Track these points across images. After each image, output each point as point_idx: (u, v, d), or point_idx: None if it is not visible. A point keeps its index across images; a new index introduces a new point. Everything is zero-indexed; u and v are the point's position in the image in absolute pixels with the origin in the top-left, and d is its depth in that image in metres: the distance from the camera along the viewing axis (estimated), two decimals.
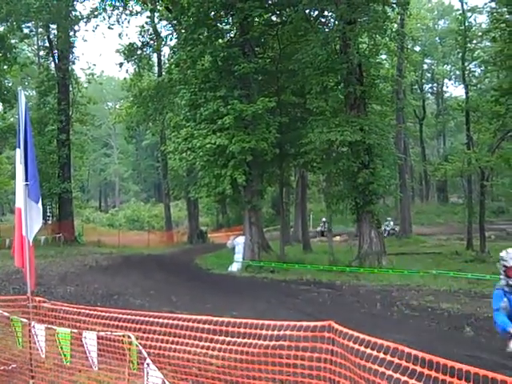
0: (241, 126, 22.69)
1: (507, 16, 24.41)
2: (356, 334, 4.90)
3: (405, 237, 39.17)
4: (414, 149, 65.72)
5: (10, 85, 37.69)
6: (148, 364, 5.46)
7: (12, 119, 42.01)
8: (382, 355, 4.56)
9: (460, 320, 11.58)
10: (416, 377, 4.22)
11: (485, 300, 14.25)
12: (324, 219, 43.30)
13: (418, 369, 4.27)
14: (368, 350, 4.66)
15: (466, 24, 38.14)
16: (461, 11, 40.29)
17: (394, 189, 29.45)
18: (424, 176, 65.61)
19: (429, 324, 11.36)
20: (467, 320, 11.52)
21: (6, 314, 6.93)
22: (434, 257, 26.95)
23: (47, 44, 38.32)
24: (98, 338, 5.98)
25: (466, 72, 40.17)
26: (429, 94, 69.95)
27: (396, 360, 4.42)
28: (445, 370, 4.01)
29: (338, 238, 36.24)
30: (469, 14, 41.44)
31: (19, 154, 6.38)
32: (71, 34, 36.09)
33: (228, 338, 5.64)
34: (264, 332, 5.45)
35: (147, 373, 5.39)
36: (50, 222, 36.33)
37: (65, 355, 5.91)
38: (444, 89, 70.47)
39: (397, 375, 4.30)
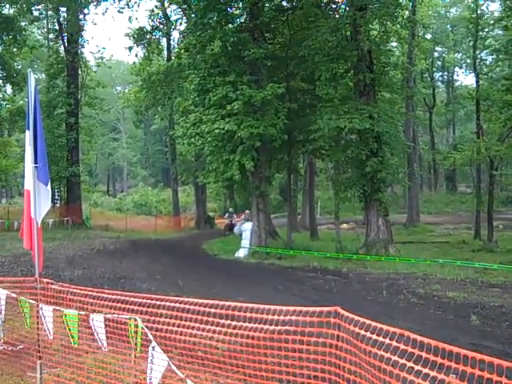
0: (249, 112, 22.61)
1: None
2: (362, 319, 4.91)
3: (412, 225, 39.16)
4: (423, 137, 65.47)
5: (19, 67, 37.71)
6: (153, 347, 5.50)
7: (21, 102, 42.19)
8: (387, 341, 4.57)
9: (466, 309, 11.56)
10: (421, 363, 4.23)
11: (492, 289, 14.27)
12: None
13: (424, 355, 4.28)
14: (374, 336, 4.67)
15: (478, 12, 37.88)
16: None
17: (402, 177, 29.41)
18: (433, 165, 65.41)
19: (435, 312, 11.35)
20: (473, 309, 11.49)
21: (13, 295, 6.99)
22: (442, 246, 26.97)
23: (57, 27, 38.25)
24: (105, 321, 6.02)
25: (477, 60, 39.94)
26: (439, 83, 69.60)
27: (402, 346, 4.43)
28: (450, 357, 4.02)
29: (345, 225, 36.25)
30: (481, 2, 41.09)
31: (28, 135, 6.39)
32: (81, 17, 36.06)
33: (234, 323, 5.67)
34: (270, 317, 5.47)
35: (152, 355, 5.42)
36: (58, 205, 36.50)
37: (72, 336, 5.95)
38: (454, 77, 70.25)
39: (402, 361, 4.31)
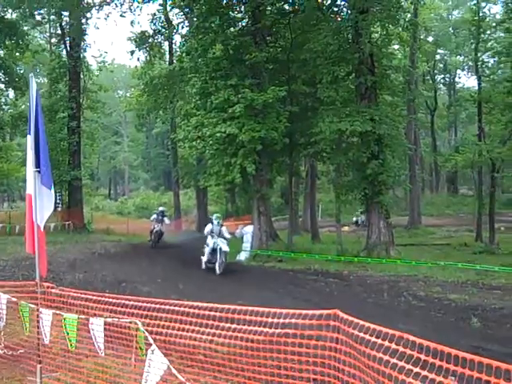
0: (251, 115, 22.65)
1: None
2: (361, 322, 4.92)
3: (414, 228, 39.15)
4: (425, 140, 65.43)
5: (21, 72, 37.80)
6: (153, 350, 5.51)
7: (23, 106, 42.22)
8: (387, 343, 4.58)
9: (467, 311, 11.59)
10: (420, 365, 4.24)
11: (493, 292, 14.27)
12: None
13: (423, 357, 4.28)
14: (373, 339, 4.68)
15: (480, 14, 37.93)
16: (475, 1, 39.95)
17: (403, 180, 29.46)
18: (434, 167, 65.35)
19: (435, 315, 11.38)
20: (474, 311, 11.53)
21: (14, 299, 7.00)
22: (443, 248, 26.97)
23: (59, 31, 38.32)
24: (106, 324, 6.03)
25: (479, 63, 39.97)
26: (441, 85, 69.57)
27: (401, 348, 4.44)
28: (449, 359, 4.03)
29: (346, 228, 36.25)
30: (483, 4, 41.26)
31: (30, 140, 6.42)
32: (83, 21, 36.05)
33: (233, 326, 5.69)
34: (269, 320, 5.49)
35: (150, 359, 5.44)
36: (59, 209, 36.48)
37: (70, 340, 5.97)
38: (456, 80, 70.18)
39: (402, 363, 4.32)
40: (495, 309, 11.97)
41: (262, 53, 23.44)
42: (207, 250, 18.27)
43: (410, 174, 39.24)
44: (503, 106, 27.03)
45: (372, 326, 4.85)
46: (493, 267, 17.81)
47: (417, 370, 4.23)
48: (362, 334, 4.78)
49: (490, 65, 41.94)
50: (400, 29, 28.01)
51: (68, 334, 5.95)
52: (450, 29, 62.39)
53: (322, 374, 5.17)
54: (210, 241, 18.32)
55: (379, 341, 4.64)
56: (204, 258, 18.51)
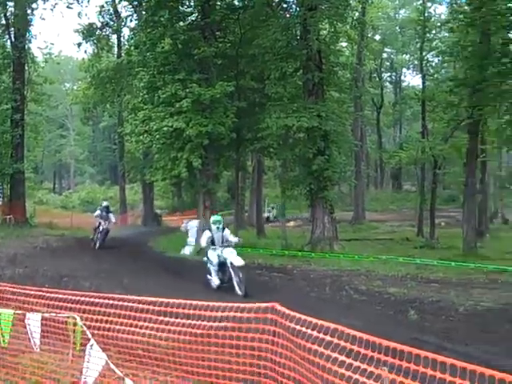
0: (198, 110, 22.66)
1: (466, 7, 24.81)
2: (298, 315, 5.01)
3: (358, 223, 39.82)
4: (371, 136, 66.56)
5: None
6: (92, 345, 5.46)
7: None
8: (321, 335, 4.68)
9: (405, 304, 11.88)
10: (353, 356, 4.35)
11: (431, 285, 14.72)
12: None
13: (356, 348, 4.40)
14: (309, 331, 4.77)
15: (426, 14, 38.82)
16: (421, 1, 40.86)
17: (348, 175, 29.90)
18: (379, 163, 66.57)
19: (375, 308, 11.61)
20: (412, 304, 11.83)
21: None
22: (386, 243, 27.53)
23: (3, 21, 37.22)
24: (43, 320, 5.94)
25: (424, 62, 40.96)
26: (387, 83, 70.85)
27: (335, 340, 4.55)
28: (387, 352, 4.15)
29: (291, 223, 36.57)
30: (429, 4, 42.15)
31: None
32: (29, 11, 35.16)
33: (173, 320, 5.69)
34: (209, 313, 5.52)
35: (89, 354, 5.39)
36: (0, 203, 35.57)
37: (3, 336, 5.86)
38: (402, 78, 71.58)
39: (335, 355, 4.42)
40: (432, 301, 12.32)
41: (211, 48, 23.45)
42: (213, 267, 13.44)
43: (355, 170, 39.84)
44: (445, 105, 27.66)
45: (309, 319, 4.94)
46: (432, 261, 18.35)
47: (351, 361, 4.35)
48: (298, 327, 4.87)
49: (434, 64, 43.06)
50: (348, 27, 28.49)
51: (2, 329, 5.84)
52: (397, 28, 63.54)
53: (258, 367, 5.24)
54: (212, 255, 13.47)
55: (314, 333, 4.74)
56: (214, 280, 13.43)
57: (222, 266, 13.16)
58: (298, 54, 23.72)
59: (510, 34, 20.64)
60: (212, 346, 5.59)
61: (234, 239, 13.76)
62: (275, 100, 24.27)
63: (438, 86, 33.59)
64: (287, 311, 5.08)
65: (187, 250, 23.16)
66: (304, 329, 4.80)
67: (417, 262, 18.39)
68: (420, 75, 43.08)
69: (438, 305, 11.95)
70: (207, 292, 12.50)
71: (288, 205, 30.54)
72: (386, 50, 63.46)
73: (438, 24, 38.95)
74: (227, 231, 13.90)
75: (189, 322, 5.66)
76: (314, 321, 4.90)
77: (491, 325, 10.25)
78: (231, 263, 12.81)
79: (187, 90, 22.20)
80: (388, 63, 67.40)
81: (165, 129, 22.09)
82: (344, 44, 41.41)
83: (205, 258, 13.81)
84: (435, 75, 40.71)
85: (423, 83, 40.38)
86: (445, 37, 38.56)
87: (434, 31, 40.83)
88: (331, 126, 23.03)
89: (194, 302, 5.73)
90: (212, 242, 13.57)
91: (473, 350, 8.43)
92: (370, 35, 49.20)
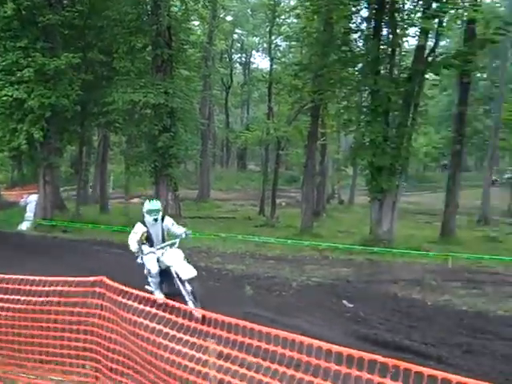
0: (41, 80, 21.60)
1: None
2: (126, 289, 5.05)
3: (202, 201, 40.26)
4: (219, 116, 67.26)
5: None
6: None
7: None
8: (148, 308, 4.77)
9: (242, 280, 12.35)
10: (183, 331, 4.49)
11: (268, 262, 15.41)
12: None
13: (180, 320, 4.54)
14: (135, 304, 4.84)
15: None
16: None
17: (194, 153, 30.09)
18: (226, 143, 67.61)
19: (214, 284, 11.91)
20: (249, 280, 12.32)
21: None
22: (228, 221, 28.13)
23: None
24: None
25: (273, 46, 41.99)
26: (237, 64, 71.71)
27: (160, 313, 4.66)
28: (216, 325, 4.33)
29: (136, 199, 36.16)
30: None
31: None
32: None
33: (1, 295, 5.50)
34: (35, 288, 5.39)
35: None
36: None
37: None
38: (252, 60, 72.77)
39: (159, 327, 4.54)
40: (268, 277, 12.91)
41: (57, 16, 22.33)
42: (152, 279, 9.80)
43: (202, 148, 40.14)
44: (290, 88, 28.61)
45: (137, 292, 5.01)
46: (270, 239, 19.14)
47: (180, 334, 4.49)
48: (124, 300, 4.91)
49: (281, 48, 44.21)
50: (200, 5, 28.40)
51: None
52: (249, 10, 64.35)
53: (85, 341, 5.23)
54: (149, 261, 9.67)
55: (141, 306, 4.82)
56: (156, 295, 9.37)
57: (166, 274, 9.56)
58: (148, 30, 23.55)
59: (350, 24, 21.61)
60: (40, 321, 5.47)
61: (179, 231, 9.93)
62: (123, 74, 23.89)
63: (284, 70, 34.69)
64: (115, 285, 5.11)
65: (24, 226, 22.28)
66: (131, 302, 4.87)
67: (256, 239, 19.07)
68: (268, 58, 44.08)
69: (273, 280, 12.53)
70: (41, 269, 12.08)
71: (133, 181, 30.22)
72: (237, 31, 64.04)
73: (287, 10, 40.08)
74: (169, 221, 9.95)
75: (17, 297, 5.50)
76: (142, 294, 4.99)
77: (320, 299, 10.96)
78: (177, 274, 9.28)
79: (30, 59, 21.10)
80: (239, 44, 68.17)
81: (4, 98, 20.81)
82: (196, 23, 41.29)
83: (139, 260, 9.89)
84: (282, 59, 41.82)
85: (271, 66, 41.39)
86: (293, 23, 39.86)
87: (283, 16, 41.89)
88: (178, 104, 23.12)
89: (21, 277, 5.57)
90: (148, 240, 9.68)
91: (301, 322, 9.00)
92: (221, 16, 49.36)
